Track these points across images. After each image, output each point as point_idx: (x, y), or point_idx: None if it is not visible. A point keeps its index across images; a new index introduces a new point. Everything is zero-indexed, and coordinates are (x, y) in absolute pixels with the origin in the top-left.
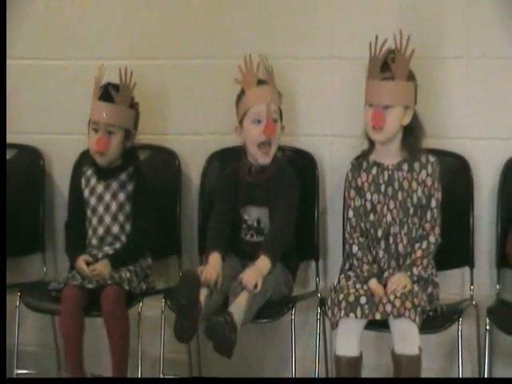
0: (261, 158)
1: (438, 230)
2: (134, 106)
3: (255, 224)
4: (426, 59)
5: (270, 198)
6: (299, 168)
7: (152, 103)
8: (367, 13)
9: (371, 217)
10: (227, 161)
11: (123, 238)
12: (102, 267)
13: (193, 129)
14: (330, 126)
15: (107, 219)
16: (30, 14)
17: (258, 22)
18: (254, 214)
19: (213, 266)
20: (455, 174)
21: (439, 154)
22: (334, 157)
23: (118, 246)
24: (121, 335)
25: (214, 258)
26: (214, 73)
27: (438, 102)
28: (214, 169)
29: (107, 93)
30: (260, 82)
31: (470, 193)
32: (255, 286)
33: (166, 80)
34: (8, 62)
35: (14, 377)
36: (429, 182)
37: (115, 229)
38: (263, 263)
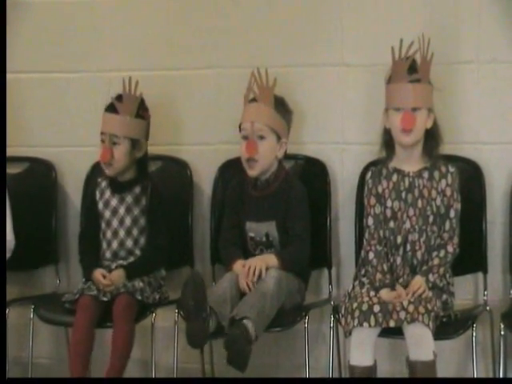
0: (248, 170)
1: (456, 240)
2: (142, 115)
3: (264, 239)
4: (437, 65)
5: (278, 211)
6: (311, 176)
7: (163, 114)
8: (378, 20)
9: (391, 224)
10: (238, 170)
11: (137, 252)
12: (117, 276)
13: (204, 139)
14: (342, 133)
15: (121, 233)
16: (41, 28)
17: (267, 30)
18: (262, 229)
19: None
20: (467, 179)
21: (451, 159)
22: (345, 164)
23: (131, 259)
24: (122, 343)
25: (240, 266)
26: (225, 82)
27: (450, 107)
28: (225, 178)
29: (112, 104)
30: (252, 100)
31: (483, 198)
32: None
33: (177, 90)
34: (19, 75)
35: None
36: (448, 192)
37: (129, 243)
38: (270, 257)
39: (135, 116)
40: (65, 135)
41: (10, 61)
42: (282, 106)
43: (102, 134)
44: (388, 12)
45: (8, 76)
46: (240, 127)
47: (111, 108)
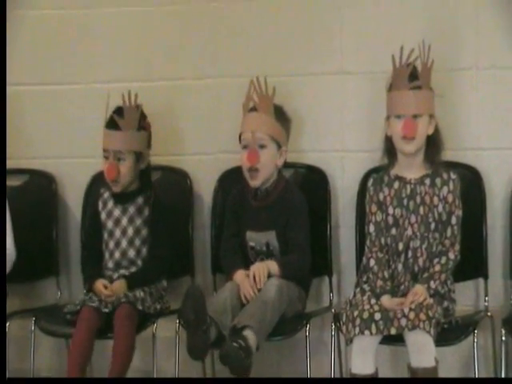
0: (250, 181)
1: (457, 247)
2: (144, 126)
3: (264, 248)
4: (436, 71)
5: (278, 221)
6: (311, 184)
7: (162, 124)
8: (377, 27)
9: (393, 231)
10: (238, 180)
11: (139, 262)
12: (118, 287)
13: (203, 148)
14: (341, 141)
15: (124, 243)
16: (40, 40)
17: (266, 38)
18: (262, 239)
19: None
20: (467, 184)
21: (451, 165)
22: (345, 172)
23: (133, 269)
24: (123, 353)
25: (241, 275)
26: (223, 92)
27: (449, 113)
28: (225, 187)
29: (113, 120)
30: (252, 109)
31: (483, 203)
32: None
33: (175, 100)
34: (19, 88)
35: None
36: (450, 198)
37: (131, 253)
38: (271, 263)
39: (137, 129)
40: (64, 147)
41: (8, 73)
42: (281, 115)
43: (104, 151)
44: (387, 19)
45: (7, 88)
46: (240, 137)
47: (112, 124)
